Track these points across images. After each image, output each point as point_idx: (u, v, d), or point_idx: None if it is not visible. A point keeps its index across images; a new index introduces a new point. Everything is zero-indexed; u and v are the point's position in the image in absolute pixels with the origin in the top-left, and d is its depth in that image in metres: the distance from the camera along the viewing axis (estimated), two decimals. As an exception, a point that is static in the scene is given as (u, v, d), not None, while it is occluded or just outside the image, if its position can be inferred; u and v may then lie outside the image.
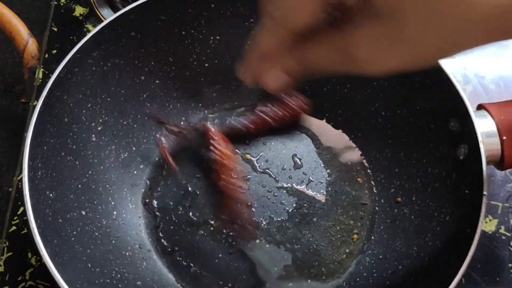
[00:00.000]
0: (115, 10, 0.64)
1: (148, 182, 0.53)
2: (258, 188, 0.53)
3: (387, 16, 0.25)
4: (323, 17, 0.28)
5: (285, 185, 0.53)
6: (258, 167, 0.54)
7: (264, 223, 0.51)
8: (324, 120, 0.56)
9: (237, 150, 0.54)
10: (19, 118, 0.70)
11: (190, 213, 0.51)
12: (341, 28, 0.28)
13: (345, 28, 0.27)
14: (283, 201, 0.52)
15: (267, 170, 0.54)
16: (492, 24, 0.25)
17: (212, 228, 0.50)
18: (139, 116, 0.54)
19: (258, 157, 0.54)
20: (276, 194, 0.52)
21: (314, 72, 0.30)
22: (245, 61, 0.32)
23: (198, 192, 0.52)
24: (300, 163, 0.54)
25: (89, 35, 0.48)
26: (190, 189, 0.53)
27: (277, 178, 0.53)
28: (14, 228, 0.52)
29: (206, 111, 0.57)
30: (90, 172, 0.49)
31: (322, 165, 0.54)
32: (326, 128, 0.56)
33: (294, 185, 0.53)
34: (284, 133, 0.56)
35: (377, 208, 0.51)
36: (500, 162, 0.44)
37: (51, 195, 0.44)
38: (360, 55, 0.27)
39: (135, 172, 0.53)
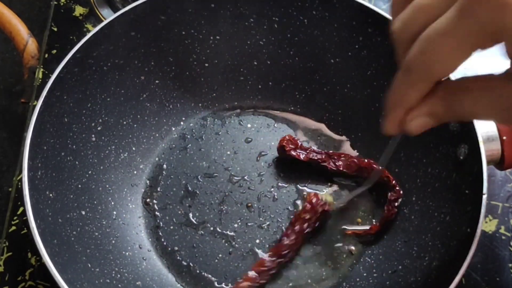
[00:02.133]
0: (115, 10, 0.64)
1: (148, 182, 0.53)
2: (258, 188, 0.53)
3: None
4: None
5: (285, 185, 0.53)
6: (258, 168, 0.54)
7: (264, 223, 0.51)
8: (325, 119, 0.56)
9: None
10: (19, 118, 0.70)
11: (190, 213, 0.51)
12: (497, 78, 0.25)
13: (502, 78, 0.25)
14: (283, 202, 0.52)
15: (268, 170, 0.54)
16: None
17: (212, 228, 0.50)
18: (139, 116, 0.54)
19: (259, 158, 0.54)
20: (276, 194, 0.52)
21: (462, 119, 0.28)
22: (388, 116, 0.30)
23: (198, 192, 0.52)
24: (300, 164, 0.54)
25: (89, 35, 0.48)
26: (190, 189, 0.53)
27: (277, 179, 0.53)
28: (14, 228, 0.52)
29: (206, 111, 0.57)
30: (90, 172, 0.49)
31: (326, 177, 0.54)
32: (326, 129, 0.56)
33: (294, 185, 0.53)
34: (284, 134, 0.56)
35: (377, 208, 0.51)
36: (500, 162, 0.44)
37: (51, 195, 0.44)
38: None
39: (135, 172, 0.53)
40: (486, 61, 0.61)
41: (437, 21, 0.24)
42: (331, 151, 0.53)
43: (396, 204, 0.49)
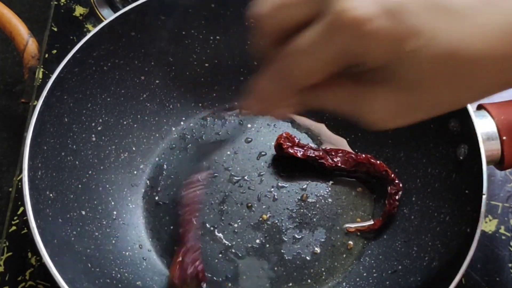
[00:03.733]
0: (115, 10, 0.64)
1: (148, 182, 0.53)
2: (258, 188, 0.53)
3: (406, 85, 0.25)
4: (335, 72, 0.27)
5: (285, 185, 0.53)
6: (258, 168, 0.54)
7: (264, 223, 0.51)
8: (325, 119, 0.56)
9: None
10: (19, 118, 0.70)
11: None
12: (357, 81, 0.27)
13: (360, 82, 0.27)
14: (283, 201, 0.52)
15: (268, 170, 0.54)
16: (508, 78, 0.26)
17: (212, 228, 0.50)
18: (139, 116, 0.54)
19: (259, 158, 0.54)
20: (276, 194, 0.52)
21: (317, 108, 0.30)
22: (249, 98, 0.31)
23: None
24: (300, 164, 0.54)
25: (89, 35, 0.48)
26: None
27: (277, 179, 0.53)
28: (14, 228, 0.52)
29: (206, 111, 0.57)
30: (90, 172, 0.49)
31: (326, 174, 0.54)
32: (326, 129, 0.56)
33: (294, 185, 0.53)
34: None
35: (377, 208, 0.51)
36: (500, 162, 0.44)
37: (51, 195, 0.44)
38: (372, 112, 0.27)
39: (135, 172, 0.53)
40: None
41: (303, 36, 0.25)
42: (328, 147, 0.53)
43: (397, 197, 0.49)
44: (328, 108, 0.29)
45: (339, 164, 0.52)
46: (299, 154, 0.52)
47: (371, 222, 0.50)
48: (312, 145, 0.54)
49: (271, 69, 0.28)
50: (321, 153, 0.52)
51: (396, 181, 0.50)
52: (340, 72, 0.26)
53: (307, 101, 0.29)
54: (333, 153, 0.52)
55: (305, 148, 0.52)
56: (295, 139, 0.53)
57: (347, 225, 0.50)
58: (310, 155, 0.52)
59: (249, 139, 0.56)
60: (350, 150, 0.54)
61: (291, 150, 0.52)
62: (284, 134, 0.53)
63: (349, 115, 0.28)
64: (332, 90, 0.28)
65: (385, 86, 0.26)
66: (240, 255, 0.49)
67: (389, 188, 0.50)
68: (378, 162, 0.50)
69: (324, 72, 0.26)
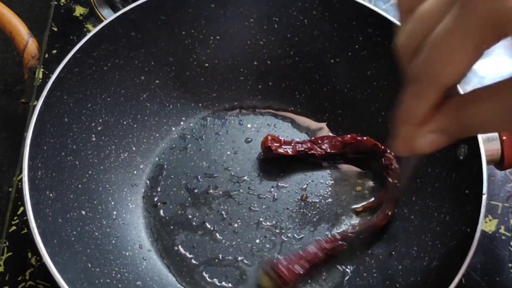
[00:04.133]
0: (115, 10, 0.64)
1: (148, 182, 0.53)
2: (258, 188, 0.53)
3: None
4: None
5: (285, 185, 0.53)
6: (257, 168, 0.54)
7: (264, 223, 0.51)
8: (325, 119, 0.56)
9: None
10: (19, 118, 0.70)
11: (190, 213, 0.51)
12: (507, 85, 0.24)
13: None
14: (283, 201, 0.52)
15: (268, 169, 0.54)
16: None
17: (212, 228, 0.51)
18: (139, 116, 0.54)
19: (259, 158, 0.54)
20: (276, 194, 0.52)
21: (474, 132, 0.27)
22: (397, 134, 0.28)
23: (198, 192, 0.52)
24: (300, 163, 0.54)
25: (89, 35, 0.48)
26: (190, 189, 0.53)
27: (277, 179, 0.53)
28: (14, 228, 0.52)
29: (206, 111, 0.57)
30: (90, 172, 0.49)
31: (323, 165, 0.54)
32: (327, 129, 0.56)
33: (294, 185, 0.53)
34: (284, 134, 0.56)
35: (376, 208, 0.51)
36: (500, 162, 0.44)
37: (51, 195, 0.44)
38: None
39: (135, 172, 0.53)
40: (486, 61, 0.61)
41: (439, 25, 0.24)
42: (313, 137, 0.54)
43: (393, 167, 0.49)
44: (485, 127, 0.26)
45: (328, 150, 0.52)
46: (289, 152, 0.52)
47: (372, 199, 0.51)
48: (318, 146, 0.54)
49: (411, 78, 0.25)
50: (308, 145, 0.52)
51: (388, 152, 0.50)
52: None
53: (460, 122, 0.26)
54: (319, 142, 0.53)
55: (292, 144, 0.52)
56: (279, 137, 0.53)
57: (354, 206, 0.51)
58: (299, 149, 0.52)
59: (249, 139, 0.56)
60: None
61: (280, 150, 0.52)
62: (269, 137, 0.52)
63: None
64: (484, 104, 0.24)
65: None
66: (240, 255, 0.49)
67: (383, 160, 0.50)
68: (364, 138, 0.51)
69: (470, 53, 0.23)
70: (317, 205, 0.52)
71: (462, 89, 0.39)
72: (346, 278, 0.48)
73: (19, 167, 0.54)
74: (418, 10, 0.25)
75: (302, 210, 0.51)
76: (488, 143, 0.43)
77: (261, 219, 0.51)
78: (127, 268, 0.47)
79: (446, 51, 0.23)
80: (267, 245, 0.50)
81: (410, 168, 0.38)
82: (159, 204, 0.52)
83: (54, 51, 0.62)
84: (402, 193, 0.47)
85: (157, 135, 0.55)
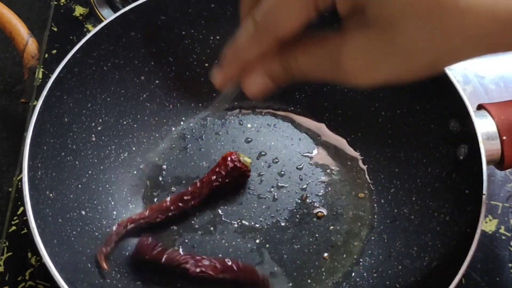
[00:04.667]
0: (115, 10, 0.64)
1: (148, 182, 0.53)
2: (258, 188, 0.53)
3: (379, 26, 0.24)
4: (310, 21, 0.26)
5: (285, 185, 0.53)
6: (258, 168, 0.54)
7: (264, 223, 0.51)
8: (325, 119, 0.56)
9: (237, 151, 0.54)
10: (19, 118, 0.70)
11: (190, 213, 0.51)
12: (330, 35, 0.26)
13: (334, 35, 0.26)
14: (283, 202, 0.52)
15: (268, 170, 0.54)
16: (493, 38, 0.23)
17: (212, 228, 0.50)
18: (139, 116, 0.54)
19: (259, 158, 0.54)
20: (276, 194, 0.52)
21: (298, 78, 0.29)
22: (223, 65, 0.30)
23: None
24: (300, 164, 0.54)
25: (89, 35, 0.48)
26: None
27: (277, 179, 0.53)
28: (14, 228, 0.52)
29: (206, 111, 0.57)
30: (90, 172, 0.49)
31: (322, 165, 0.54)
32: (326, 129, 0.56)
33: (294, 185, 0.53)
34: (284, 134, 0.56)
35: (376, 208, 0.51)
36: (500, 162, 0.44)
37: (51, 195, 0.44)
38: (349, 65, 0.26)
39: (135, 172, 0.53)
40: (486, 61, 0.61)
41: None
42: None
43: None
44: (306, 74, 0.28)
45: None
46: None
47: None
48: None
49: (246, 24, 0.28)
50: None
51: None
52: (313, 31, 0.26)
53: (285, 67, 0.28)
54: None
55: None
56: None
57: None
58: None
59: (249, 139, 0.56)
60: (352, 150, 0.54)
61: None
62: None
63: (330, 76, 0.27)
64: (308, 50, 0.27)
65: (359, 31, 0.25)
66: (240, 255, 0.49)
67: None
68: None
69: (298, 17, 0.25)
70: (317, 205, 0.52)
71: (463, 89, 0.40)
72: (346, 278, 0.48)
73: (19, 167, 0.54)
74: None
75: (302, 210, 0.51)
76: (488, 143, 0.43)
77: (261, 219, 0.51)
78: (127, 268, 0.47)
79: (279, 6, 0.25)
80: (267, 245, 0.50)
81: (225, 101, 0.38)
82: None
83: (54, 51, 0.62)
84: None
85: (157, 135, 0.55)
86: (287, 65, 0.28)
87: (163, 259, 0.46)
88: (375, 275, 0.47)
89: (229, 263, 0.46)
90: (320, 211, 0.51)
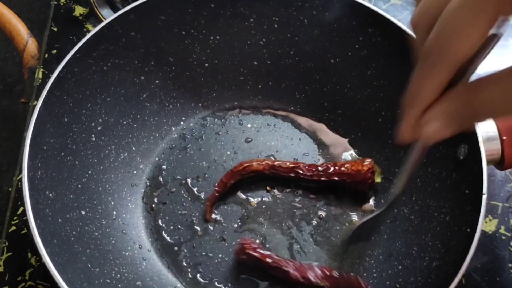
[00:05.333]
0: (115, 10, 0.64)
1: (148, 182, 0.53)
2: (258, 187, 0.53)
3: None
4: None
5: (285, 185, 0.53)
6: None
7: (264, 223, 0.51)
8: (325, 119, 0.56)
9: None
10: (19, 118, 0.70)
11: (190, 213, 0.51)
12: None
13: None
14: (284, 200, 0.52)
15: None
16: None
17: (212, 228, 0.50)
18: (139, 116, 0.54)
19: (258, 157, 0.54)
20: (277, 194, 0.52)
21: (483, 117, 0.25)
22: (403, 117, 0.27)
23: (198, 192, 0.52)
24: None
25: (89, 35, 0.48)
26: (191, 187, 0.53)
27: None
28: (14, 228, 0.52)
29: (206, 111, 0.57)
30: (90, 172, 0.49)
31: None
32: (326, 129, 0.56)
33: (295, 185, 0.53)
34: (284, 134, 0.56)
35: (376, 208, 0.51)
36: (500, 162, 0.44)
37: (51, 195, 0.44)
38: None
39: (135, 172, 0.53)
40: (486, 61, 0.61)
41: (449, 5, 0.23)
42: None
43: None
44: (495, 111, 0.25)
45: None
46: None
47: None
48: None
49: (423, 54, 0.25)
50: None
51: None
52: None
53: (467, 101, 0.25)
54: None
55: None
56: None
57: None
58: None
59: (249, 139, 0.56)
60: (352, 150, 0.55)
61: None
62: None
63: None
64: (494, 84, 0.24)
65: None
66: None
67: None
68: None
69: (481, 26, 0.22)
70: (317, 205, 0.52)
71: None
72: (346, 278, 0.48)
73: (19, 167, 0.54)
74: None
75: (302, 210, 0.51)
76: (488, 143, 0.43)
77: (261, 219, 0.51)
78: (127, 268, 0.47)
79: (456, 24, 0.23)
80: (267, 245, 0.50)
81: (413, 164, 0.37)
82: (159, 204, 0.52)
83: (54, 51, 0.62)
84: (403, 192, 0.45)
85: (157, 135, 0.55)
86: (468, 103, 0.25)
87: (266, 259, 0.46)
88: (375, 275, 0.47)
89: (331, 272, 0.46)
90: (320, 213, 0.51)
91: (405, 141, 0.28)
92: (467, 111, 0.25)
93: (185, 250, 0.49)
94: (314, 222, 0.51)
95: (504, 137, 0.43)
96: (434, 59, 0.24)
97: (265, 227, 0.50)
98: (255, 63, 0.56)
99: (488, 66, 0.62)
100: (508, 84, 0.24)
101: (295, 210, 0.51)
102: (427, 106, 0.26)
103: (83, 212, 0.47)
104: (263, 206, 0.52)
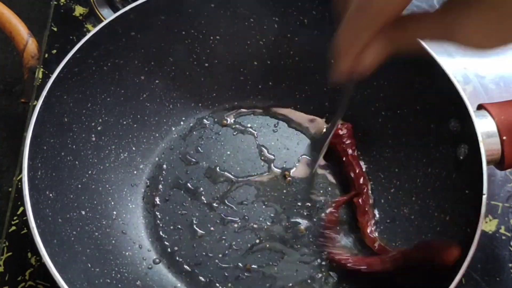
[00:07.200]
0: (115, 10, 0.64)
1: (148, 182, 0.53)
2: (258, 187, 0.53)
3: (493, 4, 0.26)
4: None
5: (285, 185, 0.53)
6: (258, 168, 0.54)
7: (264, 223, 0.51)
8: (324, 119, 0.56)
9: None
10: (19, 118, 0.70)
11: (190, 213, 0.51)
12: (443, 10, 0.28)
13: (447, 9, 0.28)
14: (283, 201, 0.52)
15: (268, 169, 0.54)
16: None
17: (212, 228, 0.50)
18: (139, 116, 0.54)
19: (258, 158, 0.54)
20: (276, 194, 0.52)
21: (407, 45, 0.30)
22: (339, 61, 0.31)
23: (198, 192, 0.52)
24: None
25: (89, 35, 0.48)
26: (190, 189, 0.53)
27: (277, 178, 0.53)
28: (14, 228, 0.52)
29: (206, 111, 0.57)
30: (90, 172, 0.49)
31: (322, 165, 0.54)
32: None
33: (295, 185, 0.53)
34: (284, 134, 0.56)
35: (376, 208, 0.51)
36: (500, 162, 0.44)
37: (51, 195, 0.44)
38: (465, 35, 0.28)
39: (135, 172, 0.53)
40: (486, 61, 0.61)
41: None
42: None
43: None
44: (417, 40, 0.29)
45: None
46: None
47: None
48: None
49: (354, 9, 0.28)
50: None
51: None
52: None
53: (394, 38, 0.29)
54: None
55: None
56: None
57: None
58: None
59: (249, 139, 0.56)
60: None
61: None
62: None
63: (441, 39, 0.29)
64: (419, 23, 0.29)
65: (473, 7, 0.27)
66: (240, 255, 0.49)
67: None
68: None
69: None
70: (318, 205, 0.52)
71: (463, 89, 0.40)
72: (346, 278, 0.48)
73: (19, 167, 0.54)
74: None
75: (302, 211, 0.51)
76: (488, 143, 0.43)
77: (261, 219, 0.51)
78: (127, 268, 0.47)
79: None
80: (267, 245, 0.50)
81: (346, 101, 0.40)
82: (159, 204, 0.52)
83: (54, 51, 0.62)
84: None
85: (157, 135, 0.55)
86: (397, 36, 0.29)
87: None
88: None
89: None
90: (320, 211, 0.51)
91: (339, 81, 0.33)
92: (394, 43, 0.30)
93: (185, 250, 0.49)
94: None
95: (504, 137, 0.43)
96: (371, 14, 0.28)
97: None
98: (255, 63, 0.56)
99: (488, 66, 0.62)
100: (427, 22, 0.29)
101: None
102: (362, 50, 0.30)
103: (83, 212, 0.47)
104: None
